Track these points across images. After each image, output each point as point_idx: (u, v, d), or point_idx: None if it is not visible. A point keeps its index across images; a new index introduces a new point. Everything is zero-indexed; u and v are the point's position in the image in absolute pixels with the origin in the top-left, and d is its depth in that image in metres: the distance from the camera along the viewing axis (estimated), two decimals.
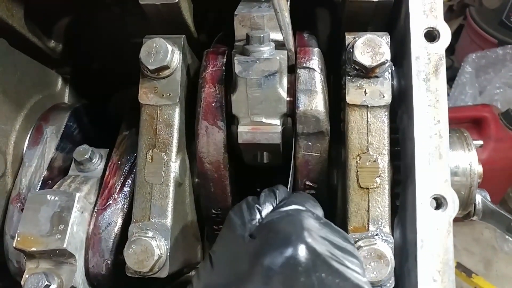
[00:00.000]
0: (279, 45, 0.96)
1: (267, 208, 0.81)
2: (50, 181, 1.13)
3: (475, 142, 1.11)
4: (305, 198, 0.85)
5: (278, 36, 0.97)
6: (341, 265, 0.70)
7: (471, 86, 3.25)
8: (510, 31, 3.37)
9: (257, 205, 0.81)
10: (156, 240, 0.93)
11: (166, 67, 0.98)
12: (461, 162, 1.08)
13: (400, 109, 1.02)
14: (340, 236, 0.77)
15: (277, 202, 0.83)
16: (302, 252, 0.66)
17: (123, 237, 1.02)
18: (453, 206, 0.87)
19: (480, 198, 1.10)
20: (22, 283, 0.93)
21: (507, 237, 3.04)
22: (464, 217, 1.13)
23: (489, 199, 1.11)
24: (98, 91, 1.55)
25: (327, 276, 0.66)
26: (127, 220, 1.03)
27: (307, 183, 1.05)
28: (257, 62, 0.92)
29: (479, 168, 1.08)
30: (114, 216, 1.03)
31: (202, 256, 1.20)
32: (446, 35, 0.94)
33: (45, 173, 1.11)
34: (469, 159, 1.08)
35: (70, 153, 1.20)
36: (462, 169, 1.07)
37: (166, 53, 0.97)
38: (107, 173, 1.08)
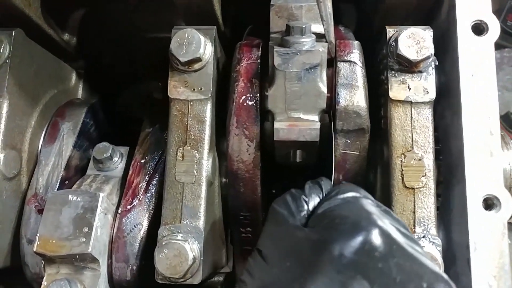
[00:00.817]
0: (318, 37, 0.91)
1: (313, 200, 0.77)
2: (67, 181, 1.06)
3: None
4: (356, 186, 0.80)
5: (316, 28, 0.92)
6: (415, 251, 0.64)
7: None
8: (507, 35, 3.38)
9: (303, 196, 0.77)
10: (189, 244, 0.86)
11: (199, 60, 0.93)
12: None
13: (439, 105, 0.98)
14: (401, 225, 0.71)
15: (323, 194, 0.79)
16: (376, 236, 0.62)
17: (149, 241, 0.96)
18: (507, 207, 0.83)
19: None
20: None
21: None
22: None
23: None
24: (108, 87, 1.49)
25: (405, 262, 0.61)
26: (154, 222, 0.97)
27: (344, 183, 0.99)
28: (298, 54, 0.87)
29: None
30: (140, 218, 0.97)
31: (226, 260, 1.14)
32: (495, 28, 0.91)
33: (62, 172, 1.04)
34: (508, 159, 1.04)
35: (87, 151, 1.14)
36: (503, 170, 1.03)
37: (198, 44, 0.92)
38: (130, 172, 1.02)
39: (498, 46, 3.27)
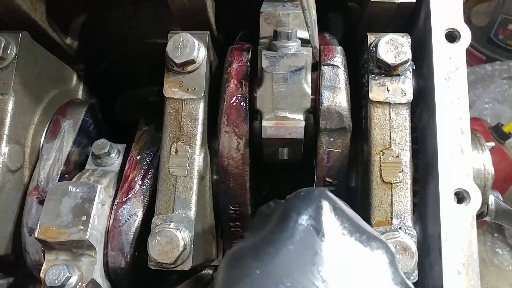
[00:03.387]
0: (304, 43, 0.99)
1: None
2: (67, 175, 1.12)
3: (487, 143, 1.14)
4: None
5: (302, 34, 0.99)
6: (358, 220, 0.74)
7: None
8: (498, 48, 3.46)
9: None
10: (180, 232, 0.92)
11: (192, 62, 0.99)
12: (475, 163, 1.10)
13: (418, 108, 1.05)
14: (357, 218, 0.79)
15: None
16: (325, 203, 0.72)
17: (143, 230, 1.02)
18: (476, 201, 0.90)
19: (493, 198, 1.13)
20: (42, 274, 0.91)
21: (497, 250, 3.08)
22: (477, 217, 1.15)
23: (501, 199, 1.14)
24: (107, 90, 1.55)
25: (349, 224, 0.71)
26: (148, 213, 1.03)
27: (327, 179, 1.06)
28: (284, 57, 0.94)
29: (492, 169, 1.11)
30: (135, 210, 1.03)
31: (216, 253, 1.20)
32: (466, 36, 0.98)
33: (62, 166, 1.10)
34: (482, 160, 1.11)
35: (86, 147, 1.20)
36: (477, 170, 1.10)
37: (193, 47, 0.98)
38: (126, 167, 1.08)
39: (490, 59, 3.36)
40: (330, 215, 0.71)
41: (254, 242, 0.73)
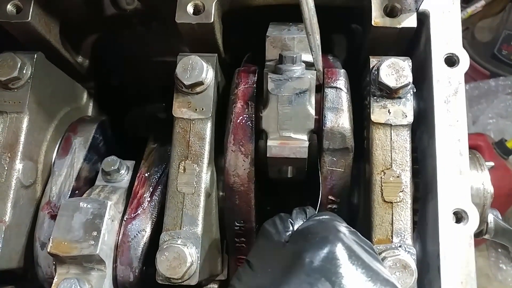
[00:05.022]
0: (308, 66, 1.02)
1: (298, 223, 0.89)
2: (77, 191, 1.15)
3: (487, 163, 1.17)
4: (333, 214, 0.93)
5: (306, 57, 1.03)
6: (372, 263, 0.76)
7: None
8: (502, 63, 3.49)
9: (290, 219, 0.89)
10: (188, 248, 0.96)
11: (201, 83, 1.03)
12: (474, 182, 1.13)
13: (419, 129, 1.08)
14: (366, 244, 0.83)
15: (307, 218, 0.91)
16: (339, 248, 0.75)
17: (151, 246, 1.05)
18: (474, 220, 0.93)
19: (492, 217, 1.15)
20: (53, 287, 0.94)
21: (501, 265, 3.08)
22: (476, 235, 1.17)
23: (500, 218, 1.16)
24: (116, 106, 1.59)
25: (362, 269, 0.73)
26: (156, 229, 1.06)
27: (330, 197, 1.09)
28: (289, 80, 0.98)
29: (491, 188, 1.14)
30: (143, 225, 1.06)
31: (221, 268, 1.23)
32: (464, 60, 1.02)
33: (73, 182, 1.14)
34: (482, 179, 1.14)
35: (96, 164, 1.24)
36: (476, 189, 1.13)
37: (201, 70, 1.02)
38: (136, 183, 1.11)
39: (494, 74, 3.39)
40: (344, 261, 0.73)
41: (263, 284, 0.75)
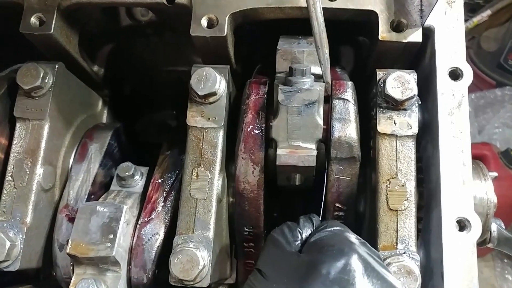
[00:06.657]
0: (317, 78, 1.07)
1: (306, 232, 0.94)
2: (93, 195, 1.20)
3: (490, 173, 1.21)
4: (339, 222, 0.99)
5: (315, 69, 1.07)
6: (384, 273, 0.79)
7: (470, 125, 3.34)
8: (508, 73, 3.50)
9: (299, 228, 0.93)
10: (200, 251, 1.00)
11: (214, 94, 1.08)
12: (478, 192, 1.16)
13: (424, 139, 1.12)
14: (375, 254, 0.87)
15: (314, 227, 0.95)
16: (355, 260, 0.78)
17: (164, 249, 1.09)
18: (476, 229, 0.96)
19: (495, 226, 1.18)
20: (71, 287, 0.99)
21: (506, 276, 3.08)
22: (480, 244, 1.21)
23: (503, 227, 1.19)
24: (129, 113, 1.64)
25: (377, 280, 0.77)
26: (169, 233, 1.10)
27: (337, 205, 1.13)
28: (299, 92, 1.02)
29: (494, 198, 1.17)
30: (157, 229, 1.10)
31: (230, 272, 1.26)
32: (468, 74, 1.06)
33: (90, 187, 1.19)
34: (485, 189, 1.17)
35: (110, 169, 1.29)
36: (479, 199, 1.16)
37: (214, 81, 1.07)
38: (150, 189, 1.16)
39: (500, 84, 3.41)
40: (360, 272, 0.77)
41: None
